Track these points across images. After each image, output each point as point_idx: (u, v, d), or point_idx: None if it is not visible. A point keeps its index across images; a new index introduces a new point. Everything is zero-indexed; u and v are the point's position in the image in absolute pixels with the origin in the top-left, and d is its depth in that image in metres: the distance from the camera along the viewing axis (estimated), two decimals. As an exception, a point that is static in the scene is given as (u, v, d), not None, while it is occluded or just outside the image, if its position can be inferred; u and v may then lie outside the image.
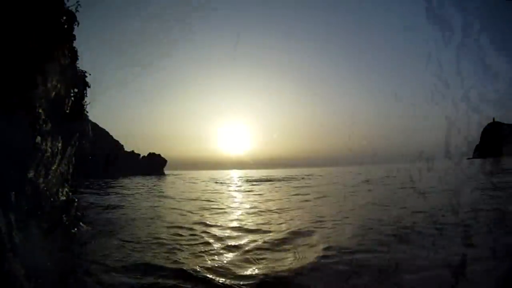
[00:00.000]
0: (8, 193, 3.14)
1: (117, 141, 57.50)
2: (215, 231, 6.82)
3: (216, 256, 4.90)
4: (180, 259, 4.67)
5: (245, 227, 7.30)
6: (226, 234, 6.50)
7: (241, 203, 12.87)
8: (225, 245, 5.59)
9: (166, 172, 62.02)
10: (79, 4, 5.53)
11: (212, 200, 13.54)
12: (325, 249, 5.00)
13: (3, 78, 3.34)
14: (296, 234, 6.29)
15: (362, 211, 9.11)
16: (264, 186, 22.67)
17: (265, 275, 3.99)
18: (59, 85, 4.76)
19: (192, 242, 5.75)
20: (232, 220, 8.33)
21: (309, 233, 6.31)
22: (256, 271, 4.17)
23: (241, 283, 3.73)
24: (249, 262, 4.60)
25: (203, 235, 6.34)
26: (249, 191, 19.17)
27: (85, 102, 7.11)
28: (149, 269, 4.21)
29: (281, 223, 7.55)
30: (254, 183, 27.26)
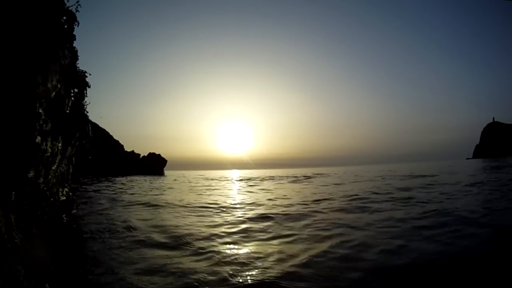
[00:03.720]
0: (8, 193, 3.14)
1: (117, 141, 57.56)
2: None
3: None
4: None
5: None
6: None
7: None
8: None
9: (166, 172, 62.08)
10: (79, 4, 5.55)
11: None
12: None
13: (3, 78, 3.34)
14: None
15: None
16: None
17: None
18: (59, 85, 4.76)
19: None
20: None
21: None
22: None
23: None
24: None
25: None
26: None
27: (85, 102, 7.13)
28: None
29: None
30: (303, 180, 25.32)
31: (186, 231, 6.22)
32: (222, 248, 5.07)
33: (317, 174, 37.22)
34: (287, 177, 31.95)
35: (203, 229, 6.46)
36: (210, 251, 4.84)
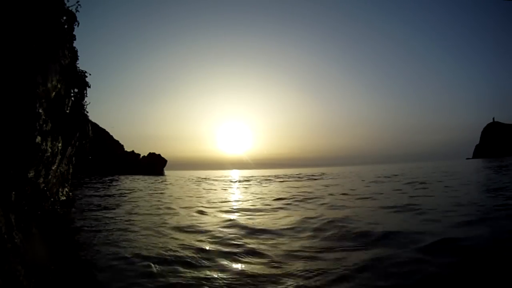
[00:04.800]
0: (8, 193, 3.15)
1: (117, 141, 57.66)
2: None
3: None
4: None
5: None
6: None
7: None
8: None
9: (166, 172, 62.13)
10: (79, 4, 5.55)
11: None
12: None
13: (3, 78, 3.34)
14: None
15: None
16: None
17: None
18: (59, 85, 4.76)
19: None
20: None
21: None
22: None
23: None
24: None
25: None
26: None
27: (85, 102, 7.13)
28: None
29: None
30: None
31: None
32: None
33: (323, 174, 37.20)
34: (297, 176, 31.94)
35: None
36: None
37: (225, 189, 17.40)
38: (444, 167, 37.44)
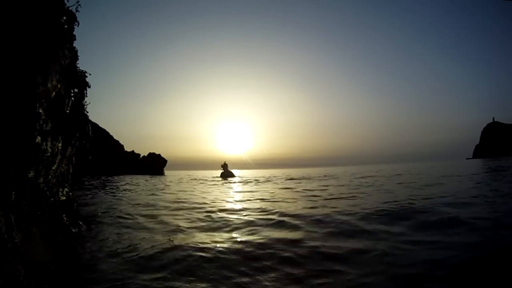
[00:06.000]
0: (8, 193, 3.15)
1: (118, 141, 57.67)
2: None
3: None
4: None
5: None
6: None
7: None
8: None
9: (166, 172, 62.14)
10: (79, 4, 5.55)
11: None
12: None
13: (3, 78, 3.34)
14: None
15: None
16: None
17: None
18: (59, 85, 4.76)
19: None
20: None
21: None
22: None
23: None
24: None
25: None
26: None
27: (85, 102, 7.13)
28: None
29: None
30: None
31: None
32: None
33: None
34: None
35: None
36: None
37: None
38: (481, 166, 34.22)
